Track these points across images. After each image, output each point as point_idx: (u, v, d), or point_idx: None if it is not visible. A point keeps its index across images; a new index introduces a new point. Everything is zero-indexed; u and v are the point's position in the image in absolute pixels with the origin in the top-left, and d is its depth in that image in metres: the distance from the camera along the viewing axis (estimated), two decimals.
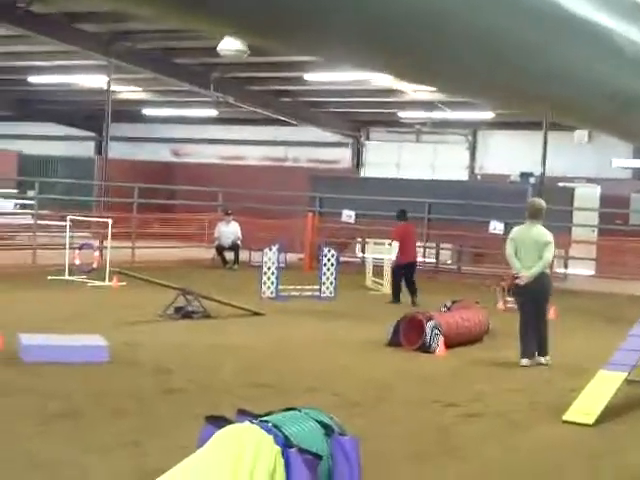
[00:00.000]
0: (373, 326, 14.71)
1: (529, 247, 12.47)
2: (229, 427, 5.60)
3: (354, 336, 13.96)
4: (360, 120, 34.88)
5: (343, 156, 35.55)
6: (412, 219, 25.61)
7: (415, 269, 19.26)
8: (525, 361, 12.32)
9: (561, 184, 28.93)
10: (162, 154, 38.37)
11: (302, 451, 5.64)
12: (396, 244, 18.95)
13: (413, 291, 18.93)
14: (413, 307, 17.37)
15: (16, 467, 6.62)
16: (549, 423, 9.08)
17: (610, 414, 9.33)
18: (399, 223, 19.67)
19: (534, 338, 12.49)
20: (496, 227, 24.21)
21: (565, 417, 9.15)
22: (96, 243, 22.61)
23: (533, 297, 12.44)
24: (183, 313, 14.65)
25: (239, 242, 25.53)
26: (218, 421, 5.82)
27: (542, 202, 12.96)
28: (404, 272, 18.97)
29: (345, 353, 12.65)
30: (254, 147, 36.66)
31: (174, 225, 29.37)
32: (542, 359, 12.52)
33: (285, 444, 5.56)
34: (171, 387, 9.71)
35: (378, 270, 21.40)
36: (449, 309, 14.59)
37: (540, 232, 12.59)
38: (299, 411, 6.15)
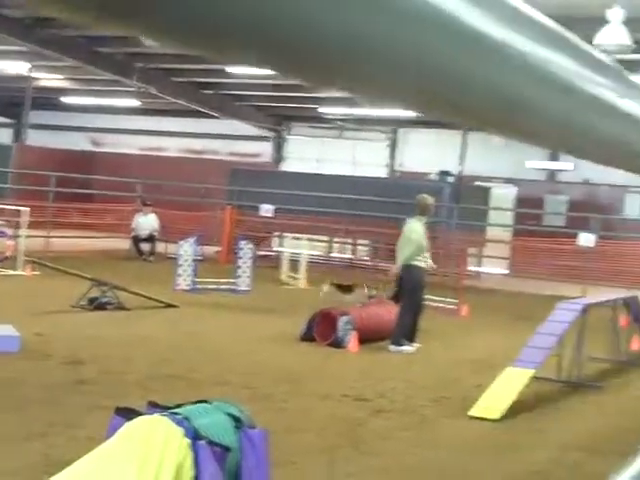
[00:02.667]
0: (287, 320, 14.78)
1: (404, 241, 13.34)
2: (138, 419, 5.62)
3: (268, 330, 14.02)
4: (282, 114, 34.94)
5: (264, 150, 35.59)
6: (331, 215, 25.85)
7: None
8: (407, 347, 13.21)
9: (478, 183, 29.33)
10: (82, 143, 37.98)
11: (211, 443, 5.69)
12: None
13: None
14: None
15: None
16: (455, 419, 9.25)
17: (516, 410, 9.55)
18: None
19: (411, 325, 13.33)
20: None
21: (471, 413, 9.33)
22: (10, 231, 22.28)
23: (401, 288, 13.40)
24: (97, 304, 14.56)
25: (156, 234, 25.43)
26: (128, 413, 5.83)
27: (425, 197, 13.55)
28: None
29: (258, 347, 12.70)
30: (175, 139, 36.50)
31: (92, 215, 29.10)
32: (390, 346, 13.14)
33: (195, 436, 5.60)
34: (82, 378, 9.67)
35: (294, 265, 21.49)
36: (363, 304, 14.71)
37: (410, 228, 13.36)
38: (209, 403, 6.19)
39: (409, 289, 13.38)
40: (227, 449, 5.82)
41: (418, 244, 13.23)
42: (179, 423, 5.62)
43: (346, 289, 17.57)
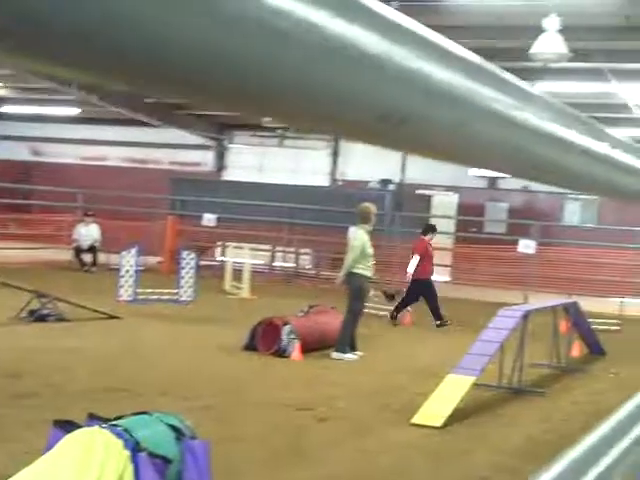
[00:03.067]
0: (230, 330, 14.72)
1: (348, 249, 13.48)
2: (78, 431, 5.57)
3: (211, 340, 13.96)
4: (223, 123, 34.85)
5: (205, 159, 35.48)
6: (273, 224, 25.87)
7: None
8: (349, 355, 13.28)
9: (419, 191, 29.49)
10: (22, 153, 37.56)
11: (152, 455, 5.66)
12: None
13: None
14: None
15: None
16: (398, 426, 9.29)
17: (458, 417, 9.62)
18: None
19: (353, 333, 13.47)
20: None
21: (414, 420, 9.38)
22: None
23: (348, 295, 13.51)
24: (37, 316, 14.40)
25: (97, 244, 25.22)
26: (67, 425, 5.77)
27: (367, 206, 13.70)
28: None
29: (201, 357, 12.65)
30: (116, 148, 36.22)
31: (33, 226, 28.79)
32: (333, 354, 13.21)
33: (135, 448, 5.56)
34: (22, 391, 9.55)
35: (238, 274, 21.43)
36: (306, 314, 14.72)
37: (353, 236, 13.52)
38: (150, 415, 6.16)
39: (351, 296, 13.45)
40: (168, 461, 5.79)
41: (360, 251, 13.31)
42: (119, 435, 5.58)
43: (390, 297, 17.89)
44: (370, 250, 13.55)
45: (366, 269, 13.48)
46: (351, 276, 13.40)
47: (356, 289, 13.43)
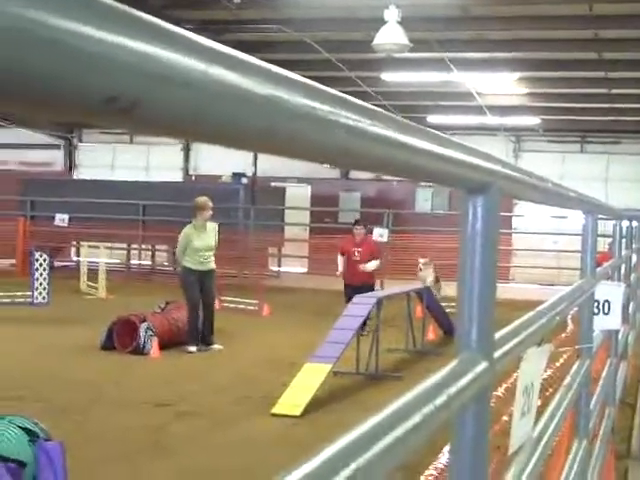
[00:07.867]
0: (87, 330, 14.49)
1: None
2: None
3: (67, 341, 13.73)
4: (72, 121, 34.20)
5: (55, 158, 34.79)
6: (127, 222, 25.57)
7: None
8: (191, 348, 13.39)
9: (273, 184, 29.59)
10: None
11: (5, 460, 5.57)
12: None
13: None
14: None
15: None
16: (257, 417, 9.34)
17: (317, 405, 9.73)
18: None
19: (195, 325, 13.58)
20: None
21: (273, 410, 9.44)
22: None
23: None
24: None
25: None
26: None
27: (196, 200, 13.98)
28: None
29: (57, 358, 12.42)
30: None
31: None
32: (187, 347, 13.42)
33: None
34: None
35: (93, 274, 21.12)
36: (163, 310, 14.63)
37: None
38: (2, 419, 6.06)
39: (182, 290, 13.75)
40: (22, 464, 5.71)
41: (183, 245, 13.46)
42: None
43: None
44: (197, 243, 13.56)
45: (192, 262, 13.55)
46: (181, 270, 13.86)
47: (182, 282, 13.78)
